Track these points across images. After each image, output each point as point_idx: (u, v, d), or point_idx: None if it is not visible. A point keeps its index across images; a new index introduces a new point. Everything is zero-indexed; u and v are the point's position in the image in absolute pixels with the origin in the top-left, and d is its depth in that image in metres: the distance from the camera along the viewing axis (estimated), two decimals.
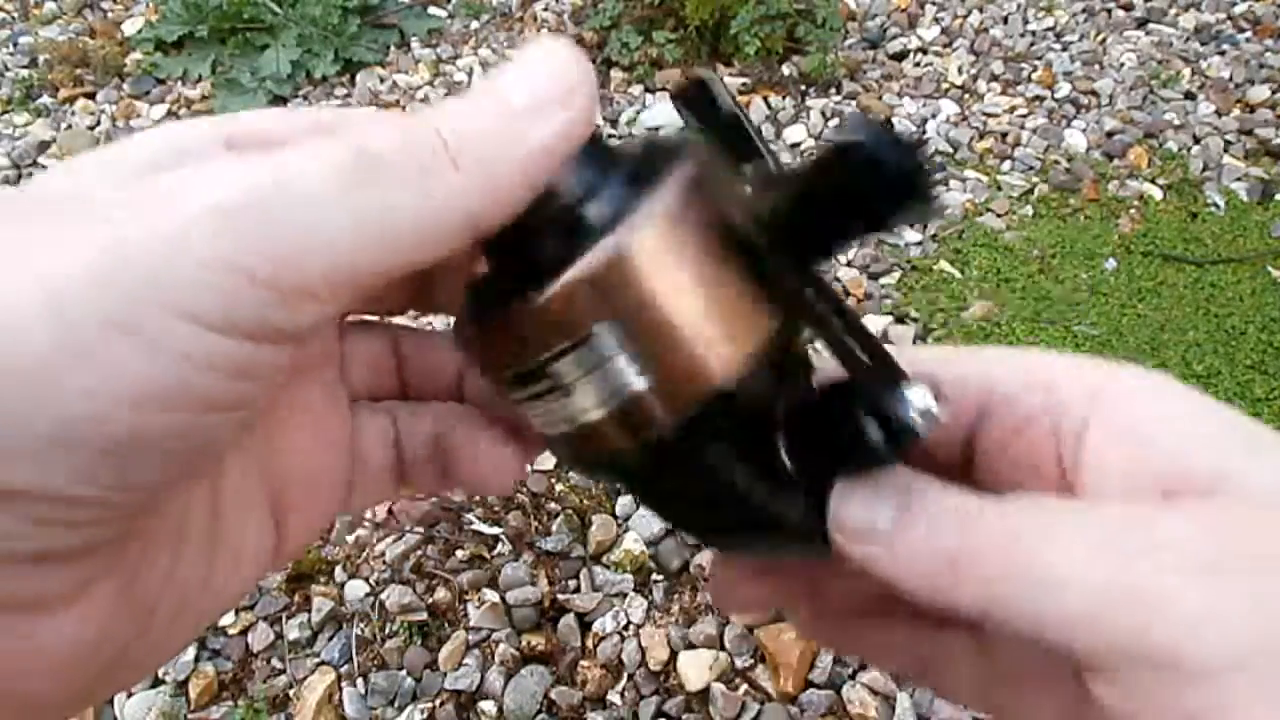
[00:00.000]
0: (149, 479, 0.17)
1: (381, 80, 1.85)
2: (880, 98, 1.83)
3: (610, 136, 1.73)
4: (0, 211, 0.17)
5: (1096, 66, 1.91)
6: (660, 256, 0.20)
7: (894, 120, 1.77)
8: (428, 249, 0.18)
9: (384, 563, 1.09)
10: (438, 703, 0.99)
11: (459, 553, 1.10)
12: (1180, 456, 0.19)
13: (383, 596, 1.06)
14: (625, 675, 1.01)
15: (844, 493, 0.20)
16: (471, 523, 1.12)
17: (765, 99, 1.80)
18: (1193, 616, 0.16)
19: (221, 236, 0.16)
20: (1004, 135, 1.76)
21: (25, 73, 1.89)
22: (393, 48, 1.94)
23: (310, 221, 0.17)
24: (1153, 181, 1.67)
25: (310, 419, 0.23)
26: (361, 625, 1.05)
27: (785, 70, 1.85)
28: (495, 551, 1.10)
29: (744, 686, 1.00)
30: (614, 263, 0.19)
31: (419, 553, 1.10)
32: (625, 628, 1.05)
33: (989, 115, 1.80)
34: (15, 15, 2.10)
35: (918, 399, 0.19)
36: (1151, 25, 2.03)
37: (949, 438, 0.23)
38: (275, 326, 0.17)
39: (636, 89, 1.82)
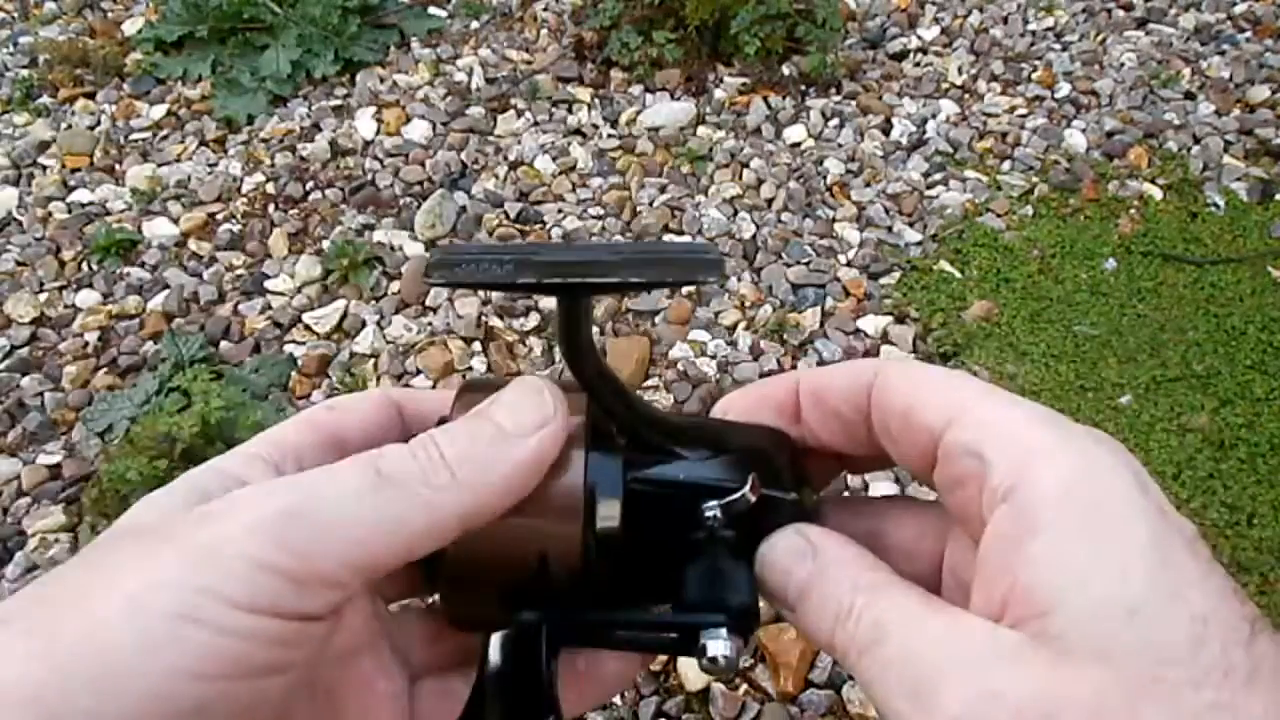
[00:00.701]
0: None
1: (381, 80, 1.85)
2: (880, 98, 1.83)
3: (610, 136, 1.73)
4: (101, 543, 0.23)
5: (1096, 66, 1.91)
6: None
7: (893, 120, 1.77)
8: (429, 543, 0.23)
9: None
10: None
11: None
12: (1035, 586, 0.21)
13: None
14: None
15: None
16: None
17: (765, 99, 1.80)
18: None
19: (258, 542, 0.21)
20: (1004, 135, 1.76)
21: (25, 73, 1.89)
22: (393, 48, 1.94)
23: (335, 526, 0.22)
24: (1153, 181, 1.67)
25: (366, 691, 0.27)
26: None
27: (785, 70, 1.85)
28: None
29: (744, 686, 1.00)
30: None
31: None
32: None
33: (989, 115, 1.80)
34: (15, 15, 2.10)
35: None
36: (1151, 25, 2.03)
37: (920, 454, 0.25)
38: (304, 609, 0.21)
39: (636, 89, 1.82)
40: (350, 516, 0.22)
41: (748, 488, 0.26)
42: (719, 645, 0.25)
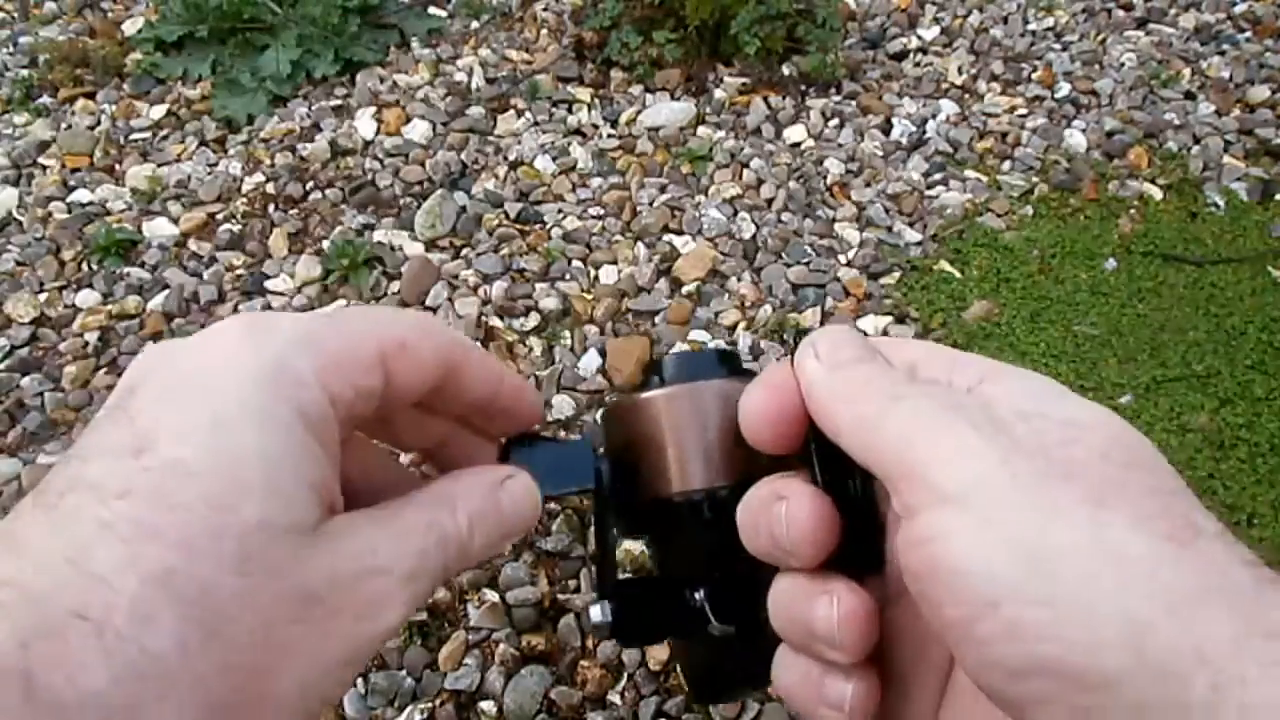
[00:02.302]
0: None
1: (381, 80, 1.85)
2: (880, 98, 1.83)
3: (610, 136, 1.73)
4: None
5: (1096, 66, 1.91)
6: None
7: (893, 120, 1.77)
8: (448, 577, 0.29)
9: None
10: (438, 703, 0.99)
11: None
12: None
13: None
14: (625, 675, 1.01)
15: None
16: None
17: (765, 99, 1.80)
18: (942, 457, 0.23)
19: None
20: (1004, 135, 1.76)
21: (25, 73, 1.89)
22: (393, 48, 1.94)
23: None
24: (1153, 181, 1.67)
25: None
26: None
27: (785, 70, 1.85)
28: None
29: None
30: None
31: None
32: None
33: (989, 115, 1.80)
34: (15, 15, 2.10)
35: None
36: (1151, 25, 2.03)
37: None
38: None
39: (636, 89, 1.82)
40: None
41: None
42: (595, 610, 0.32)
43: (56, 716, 0.20)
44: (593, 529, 0.36)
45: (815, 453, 0.28)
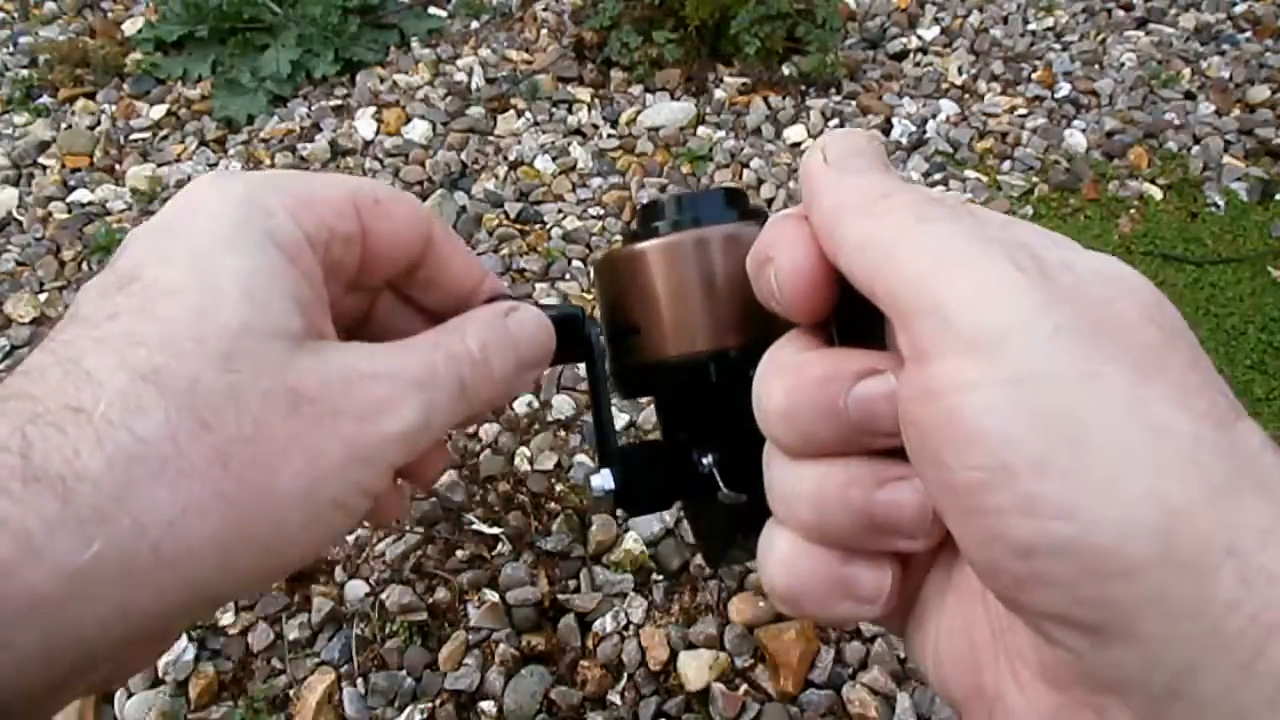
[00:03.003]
0: None
1: (381, 80, 1.85)
2: (880, 98, 1.83)
3: (610, 136, 1.73)
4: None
5: (1096, 66, 1.91)
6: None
7: (893, 120, 1.77)
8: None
9: (384, 563, 1.09)
10: (438, 703, 0.99)
11: (459, 553, 1.10)
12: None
13: (383, 596, 1.06)
14: (625, 675, 1.01)
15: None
16: (471, 523, 1.12)
17: (765, 99, 1.80)
18: (965, 298, 0.20)
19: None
20: (1004, 135, 1.76)
21: (25, 73, 1.89)
22: (393, 48, 1.94)
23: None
24: (1153, 181, 1.67)
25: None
26: (361, 625, 1.05)
27: (785, 70, 1.85)
28: (495, 551, 1.10)
29: (744, 686, 1.00)
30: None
31: (419, 553, 1.10)
32: (625, 628, 1.05)
33: (989, 115, 1.80)
34: (15, 15, 2.10)
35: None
36: (1151, 25, 2.03)
37: None
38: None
39: (636, 89, 1.82)
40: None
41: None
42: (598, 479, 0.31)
43: (53, 497, 0.21)
44: (589, 397, 0.34)
45: (836, 313, 0.24)
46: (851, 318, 0.24)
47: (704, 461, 0.31)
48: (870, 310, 0.23)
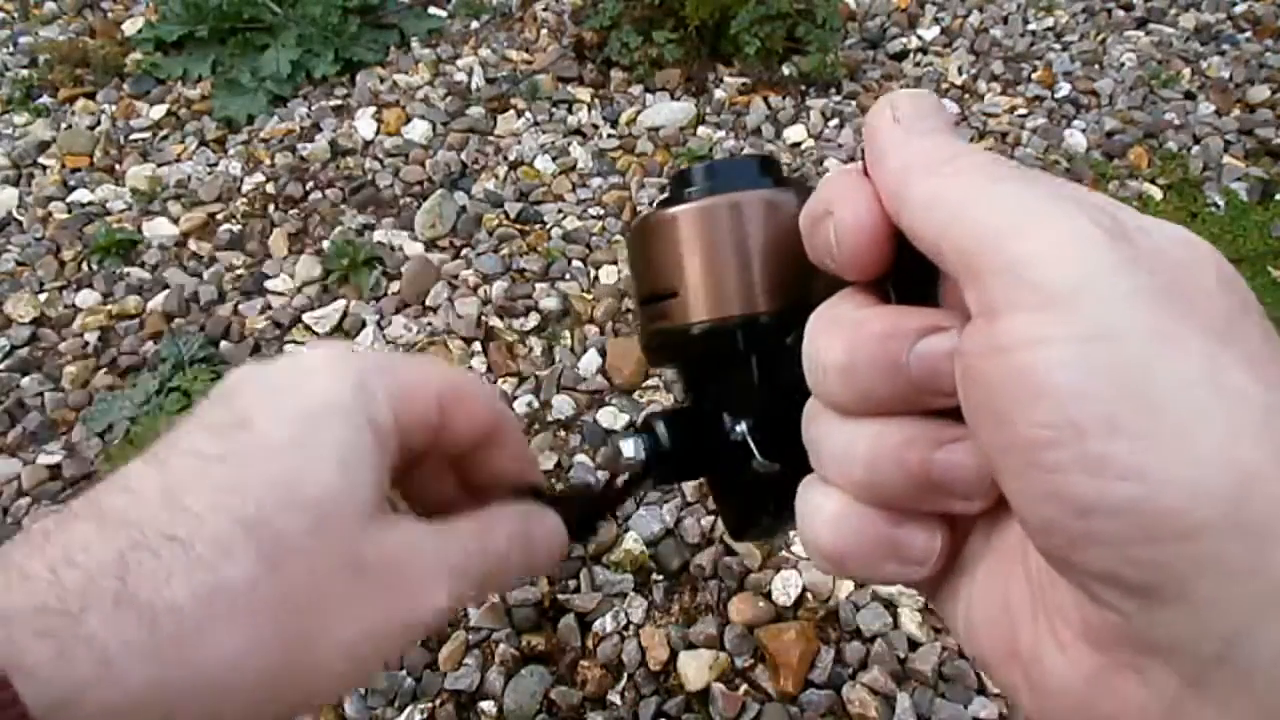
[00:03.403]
0: None
1: (381, 80, 1.85)
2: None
3: (610, 136, 1.73)
4: None
5: (1096, 66, 1.91)
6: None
7: None
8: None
9: None
10: (438, 703, 0.99)
11: None
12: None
13: None
14: (625, 675, 1.01)
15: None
16: None
17: (765, 99, 1.80)
18: (1042, 252, 0.20)
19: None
20: (1004, 135, 1.76)
21: (25, 73, 1.89)
22: (393, 48, 1.94)
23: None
24: (1153, 181, 1.67)
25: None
26: None
27: (785, 70, 1.85)
28: None
29: (744, 686, 1.00)
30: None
31: None
32: (625, 628, 1.05)
33: (989, 115, 1.80)
34: (15, 15, 2.10)
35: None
36: (1151, 25, 2.03)
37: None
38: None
39: (636, 89, 1.82)
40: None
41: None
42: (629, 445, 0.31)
43: (138, 621, 0.23)
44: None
45: (894, 271, 0.24)
46: (908, 276, 0.24)
47: (737, 430, 0.30)
48: (926, 269, 0.22)
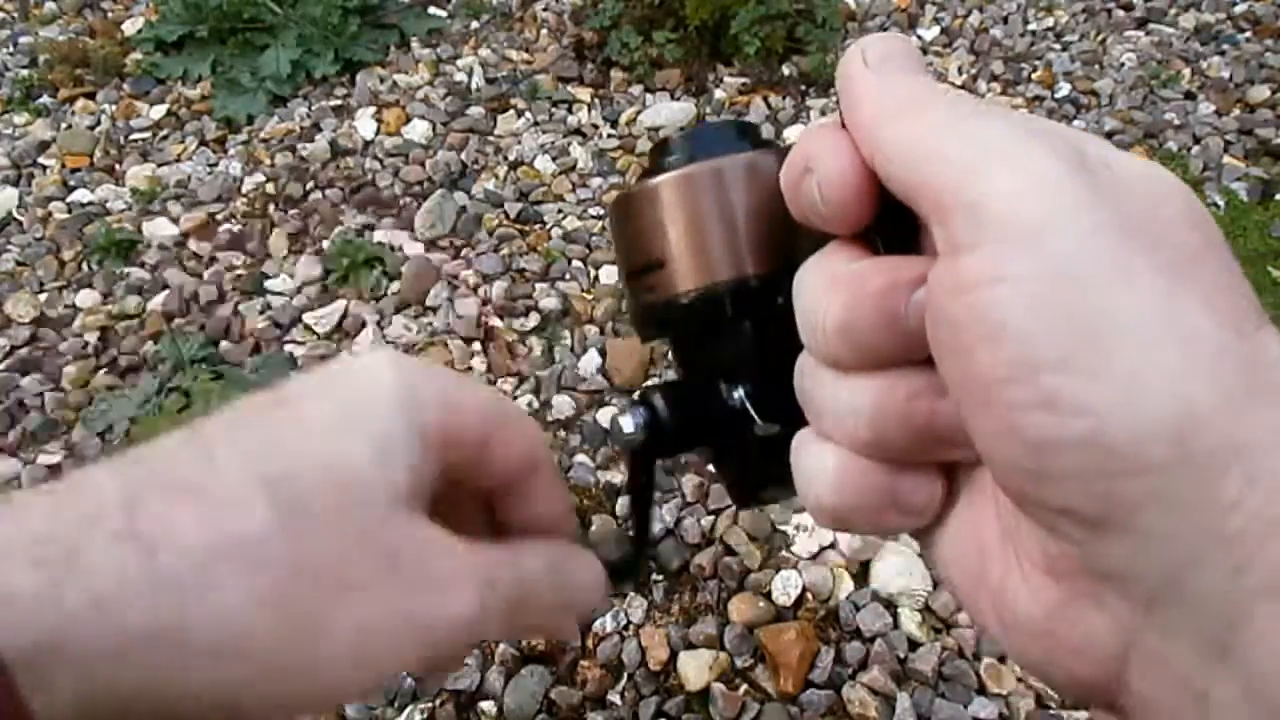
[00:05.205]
0: None
1: (381, 80, 1.85)
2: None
3: (610, 136, 1.73)
4: None
5: (1096, 66, 1.91)
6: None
7: None
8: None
9: None
10: (438, 703, 0.99)
11: None
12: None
13: None
14: (625, 675, 1.01)
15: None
16: None
17: (765, 99, 1.80)
18: (1008, 192, 0.20)
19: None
20: None
21: (25, 73, 1.89)
22: (393, 48, 1.94)
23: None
24: None
25: None
26: None
27: (785, 70, 1.85)
28: None
29: (744, 686, 1.00)
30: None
31: None
32: (625, 628, 1.05)
33: None
34: (15, 15, 2.10)
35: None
36: (1151, 25, 2.03)
37: None
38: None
39: (636, 89, 1.82)
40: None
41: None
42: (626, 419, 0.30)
43: (138, 557, 0.22)
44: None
45: (878, 221, 0.24)
46: (892, 225, 0.24)
47: (735, 396, 0.30)
48: (909, 216, 0.22)
